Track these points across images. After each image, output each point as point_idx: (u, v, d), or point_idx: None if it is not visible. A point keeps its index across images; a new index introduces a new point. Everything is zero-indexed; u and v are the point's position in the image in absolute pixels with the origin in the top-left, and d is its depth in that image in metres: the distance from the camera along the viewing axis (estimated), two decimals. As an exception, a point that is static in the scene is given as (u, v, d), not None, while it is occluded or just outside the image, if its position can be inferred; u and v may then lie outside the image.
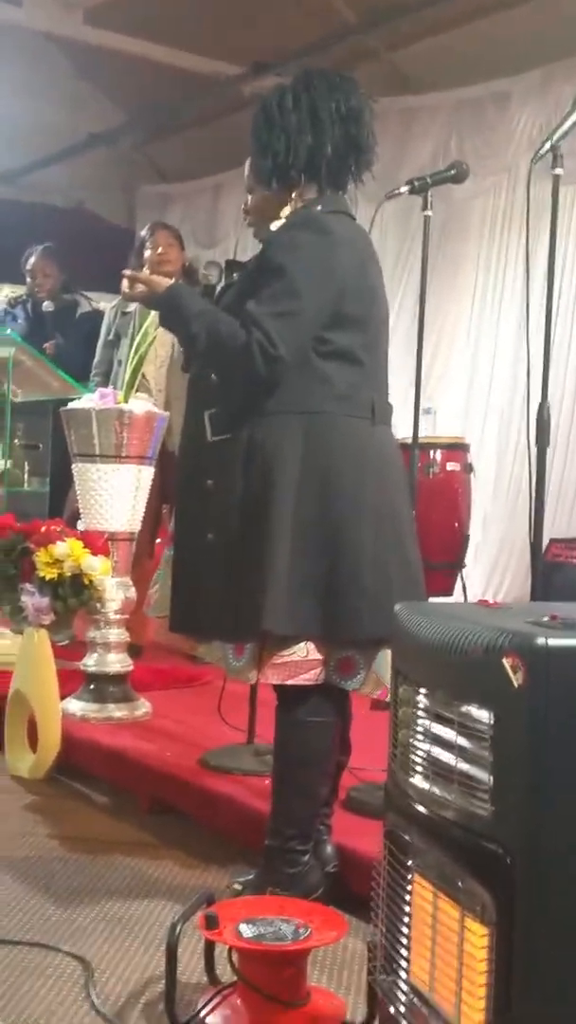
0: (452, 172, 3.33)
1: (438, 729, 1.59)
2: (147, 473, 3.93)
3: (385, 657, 2.34)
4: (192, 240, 7.21)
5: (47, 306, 5.55)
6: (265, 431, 2.50)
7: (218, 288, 2.77)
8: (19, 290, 5.81)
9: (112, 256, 5.23)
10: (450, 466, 5.03)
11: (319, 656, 2.52)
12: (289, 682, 2.51)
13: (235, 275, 2.74)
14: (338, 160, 2.59)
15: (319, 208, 2.58)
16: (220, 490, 2.54)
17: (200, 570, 2.58)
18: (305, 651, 2.50)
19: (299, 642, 2.50)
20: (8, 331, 4.85)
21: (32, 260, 5.65)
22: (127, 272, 2.68)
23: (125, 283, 2.65)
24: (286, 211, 2.63)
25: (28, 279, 5.68)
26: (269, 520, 2.46)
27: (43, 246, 5.66)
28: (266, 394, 2.50)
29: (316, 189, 2.61)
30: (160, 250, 4.92)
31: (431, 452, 4.93)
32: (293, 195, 2.62)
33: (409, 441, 3.33)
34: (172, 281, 2.70)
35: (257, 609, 2.43)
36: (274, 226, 2.62)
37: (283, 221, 2.61)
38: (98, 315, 5.34)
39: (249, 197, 2.72)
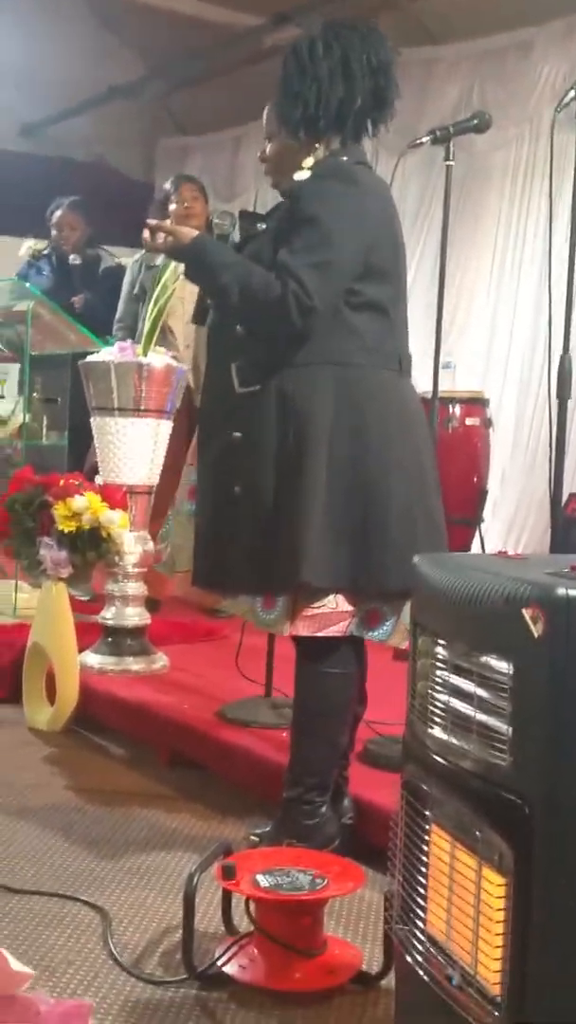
0: (474, 122, 3.28)
1: (457, 680, 1.58)
2: (165, 427, 3.92)
3: (412, 608, 2.34)
4: (212, 193, 7.12)
5: (74, 259, 5.49)
6: (296, 383, 2.48)
7: (232, 238, 2.72)
8: (42, 244, 5.76)
9: (129, 210, 5.17)
10: (469, 421, 5.02)
11: (349, 608, 2.52)
12: (319, 634, 2.52)
13: (259, 226, 2.68)
14: (364, 113, 2.56)
15: (344, 159, 2.55)
16: (249, 442, 2.51)
17: (226, 523, 2.56)
18: (335, 603, 2.51)
19: (329, 594, 2.50)
20: (28, 284, 4.82)
21: (59, 213, 5.59)
22: (151, 222, 2.60)
23: (147, 233, 2.58)
24: (308, 161, 2.59)
25: (53, 232, 5.63)
26: (304, 474, 2.45)
27: (70, 200, 5.60)
28: (296, 345, 2.47)
29: (340, 140, 2.57)
30: (186, 204, 4.85)
31: (450, 406, 4.92)
32: (317, 145, 2.58)
33: (429, 395, 3.30)
34: (197, 232, 2.65)
35: (295, 562, 2.43)
36: (299, 176, 2.57)
37: (307, 171, 2.57)
38: (121, 270, 5.29)
39: (268, 144, 2.67)
